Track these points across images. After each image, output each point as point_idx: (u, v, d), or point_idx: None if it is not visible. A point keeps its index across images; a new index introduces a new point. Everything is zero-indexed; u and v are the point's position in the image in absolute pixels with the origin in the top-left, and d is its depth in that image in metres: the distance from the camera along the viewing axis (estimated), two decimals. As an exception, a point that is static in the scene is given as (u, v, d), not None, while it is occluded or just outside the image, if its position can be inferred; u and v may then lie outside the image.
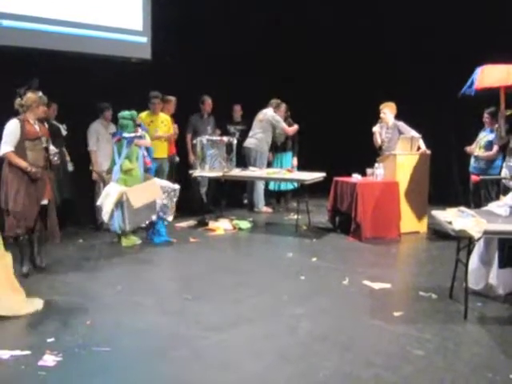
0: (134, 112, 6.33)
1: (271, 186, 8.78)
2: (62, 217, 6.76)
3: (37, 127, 5.13)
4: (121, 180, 6.15)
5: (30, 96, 5.08)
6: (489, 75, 5.66)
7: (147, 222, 6.31)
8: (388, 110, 7.31)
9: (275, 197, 9.11)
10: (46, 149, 5.17)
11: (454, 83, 6.34)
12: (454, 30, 8.33)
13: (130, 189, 6.01)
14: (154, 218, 6.27)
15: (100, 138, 7.10)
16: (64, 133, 6.72)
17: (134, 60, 8.41)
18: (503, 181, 5.92)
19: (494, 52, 5.85)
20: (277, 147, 8.72)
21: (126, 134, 6.17)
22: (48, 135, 5.30)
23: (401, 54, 8.93)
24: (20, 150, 4.98)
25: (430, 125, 7.99)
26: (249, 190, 8.57)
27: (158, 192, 6.18)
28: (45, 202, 5.20)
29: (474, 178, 5.99)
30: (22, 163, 4.95)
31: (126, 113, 6.25)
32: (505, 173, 5.90)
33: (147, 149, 6.50)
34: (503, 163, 6.05)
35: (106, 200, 5.92)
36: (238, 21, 8.90)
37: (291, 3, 9.44)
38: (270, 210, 8.56)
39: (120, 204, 5.90)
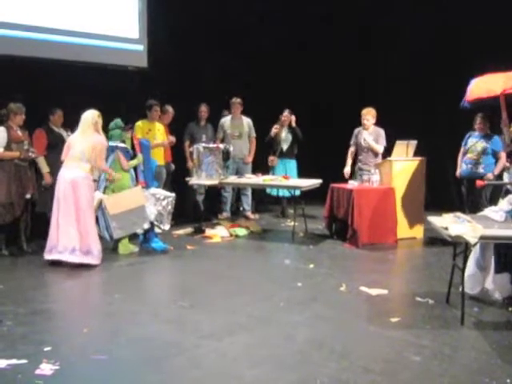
0: (117, 120, 6.42)
1: (274, 192, 8.69)
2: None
3: (19, 133, 6.10)
4: (108, 189, 6.22)
5: (9, 106, 6.03)
6: (479, 87, 5.70)
7: (140, 230, 6.31)
8: (371, 117, 7.37)
9: (274, 203, 9.11)
10: (27, 151, 6.08)
11: (450, 89, 6.38)
12: (450, 34, 8.39)
13: (109, 196, 6.10)
14: (146, 226, 6.26)
15: None
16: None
17: (130, 68, 8.44)
18: (508, 186, 5.94)
19: (491, 57, 5.90)
20: (282, 153, 8.63)
21: (109, 143, 6.27)
22: (29, 140, 6.23)
23: (398, 60, 8.96)
24: (8, 151, 6.00)
25: (425, 130, 8.03)
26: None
27: (142, 199, 6.20)
28: (28, 196, 6.13)
29: (479, 182, 6.01)
30: (15, 153, 5.98)
31: (110, 124, 6.39)
32: (507, 179, 5.93)
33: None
34: (505, 170, 6.07)
35: None
36: (233, 27, 8.94)
37: (289, 13, 9.50)
38: (223, 216, 8.39)
39: (102, 212, 5.98)
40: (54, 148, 6.52)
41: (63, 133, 6.77)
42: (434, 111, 8.59)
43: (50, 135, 6.66)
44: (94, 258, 5.63)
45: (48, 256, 5.62)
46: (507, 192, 5.84)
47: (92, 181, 5.81)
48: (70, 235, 5.56)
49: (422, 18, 8.69)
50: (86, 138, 5.71)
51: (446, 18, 8.49)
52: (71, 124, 6.91)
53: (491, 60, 5.88)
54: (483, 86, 5.66)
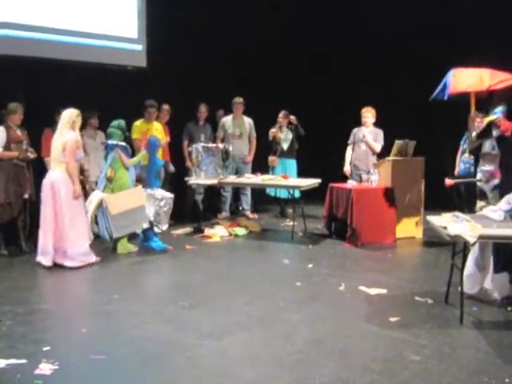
0: (121, 121, 6.39)
1: (272, 192, 8.72)
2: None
3: (19, 133, 6.09)
4: (107, 188, 6.22)
5: (8, 105, 6.03)
6: (462, 80, 5.74)
7: (139, 230, 6.30)
8: (371, 115, 7.46)
9: (273, 202, 9.10)
10: (26, 151, 6.09)
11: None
12: (450, 34, 8.41)
13: (110, 195, 6.09)
14: (145, 225, 6.26)
15: (87, 148, 7.11)
16: None
17: (129, 68, 8.44)
18: (478, 184, 5.98)
19: (486, 55, 5.93)
20: (282, 152, 8.59)
21: (109, 141, 6.27)
22: (28, 140, 6.19)
23: (397, 59, 8.96)
24: (7, 151, 6.02)
25: (424, 130, 8.04)
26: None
27: (142, 199, 6.19)
28: (26, 195, 6.14)
29: (447, 182, 6.03)
30: (14, 153, 5.99)
31: (113, 122, 6.36)
32: (479, 177, 5.96)
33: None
34: (477, 167, 6.10)
35: (89, 207, 6.01)
36: (233, 27, 8.93)
37: (290, 14, 9.50)
38: (222, 216, 8.37)
39: (102, 211, 5.97)
40: None
41: None
42: (433, 111, 8.59)
43: None
44: (71, 261, 5.55)
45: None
46: (482, 194, 5.89)
47: (71, 182, 5.65)
48: (46, 237, 5.55)
49: (422, 17, 8.70)
50: (61, 137, 5.69)
51: (445, 17, 8.52)
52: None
53: (487, 59, 5.90)
54: (466, 80, 5.69)
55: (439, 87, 6.07)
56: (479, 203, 5.96)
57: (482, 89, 5.66)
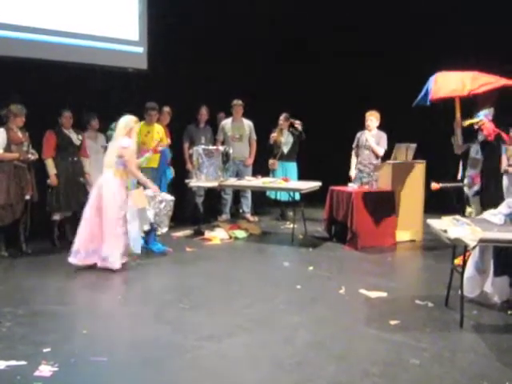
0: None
1: (272, 194, 8.72)
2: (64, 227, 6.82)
3: (20, 134, 6.06)
4: None
5: (10, 108, 5.99)
6: (443, 86, 5.67)
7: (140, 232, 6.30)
8: (374, 118, 7.42)
9: (274, 205, 9.10)
10: (27, 152, 6.07)
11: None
12: (450, 36, 8.42)
13: None
14: (146, 227, 6.25)
15: (88, 150, 7.06)
16: (77, 142, 6.74)
17: (130, 70, 8.45)
18: (464, 190, 5.97)
19: (485, 59, 5.94)
20: (283, 155, 8.59)
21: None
22: (29, 141, 6.16)
23: (397, 62, 8.98)
24: (8, 152, 5.99)
25: (425, 133, 8.04)
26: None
27: (143, 201, 6.17)
28: (27, 197, 6.10)
29: (433, 186, 6.01)
30: (14, 155, 5.96)
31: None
32: (465, 182, 5.97)
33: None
34: (464, 173, 6.09)
35: None
36: (234, 29, 8.94)
37: (294, 19, 9.54)
38: (223, 218, 8.39)
39: None
40: (62, 150, 6.57)
41: (73, 135, 6.75)
42: (433, 114, 8.60)
43: (60, 137, 6.67)
44: (105, 263, 5.52)
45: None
46: (468, 199, 5.88)
47: (119, 185, 5.66)
48: (78, 237, 5.56)
49: (422, 17, 8.72)
50: (116, 142, 5.72)
51: (445, 17, 8.53)
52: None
53: (487, 59, 5.90)
54: (448, 85, 5.65)
55: (422, 93, 6.02)
56: (468, 209, 5.94)
57: (463, 94, 5.59)
